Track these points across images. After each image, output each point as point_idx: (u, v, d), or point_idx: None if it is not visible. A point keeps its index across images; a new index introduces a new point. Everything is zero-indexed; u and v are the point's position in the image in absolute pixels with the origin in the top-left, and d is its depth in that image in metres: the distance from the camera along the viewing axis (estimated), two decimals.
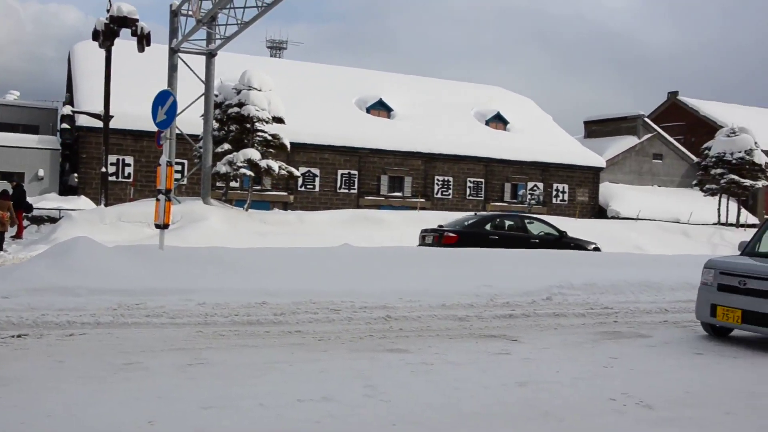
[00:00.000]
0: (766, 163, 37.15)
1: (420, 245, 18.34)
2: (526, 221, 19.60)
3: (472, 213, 22.81)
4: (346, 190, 36.32)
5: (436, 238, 18.00)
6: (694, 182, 40.01)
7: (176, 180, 29.60)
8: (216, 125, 26.44)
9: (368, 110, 39.13)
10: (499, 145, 39.74)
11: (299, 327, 8.57)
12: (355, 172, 36.46)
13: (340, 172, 36.20)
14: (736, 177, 36.13)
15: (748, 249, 9.88)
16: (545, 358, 7.63)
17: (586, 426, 5.50)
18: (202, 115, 25.64)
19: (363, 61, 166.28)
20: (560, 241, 18.97)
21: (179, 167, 30.86)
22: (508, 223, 19.44)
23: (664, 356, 8.05)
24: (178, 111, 13.14)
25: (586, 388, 6.51)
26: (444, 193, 38.29)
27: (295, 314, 9.16)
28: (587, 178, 42.00)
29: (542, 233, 19.32)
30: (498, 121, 41.97)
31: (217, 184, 28.20)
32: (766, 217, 11.26)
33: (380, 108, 39.49)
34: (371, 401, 5.76)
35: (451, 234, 17.84)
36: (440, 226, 19.33)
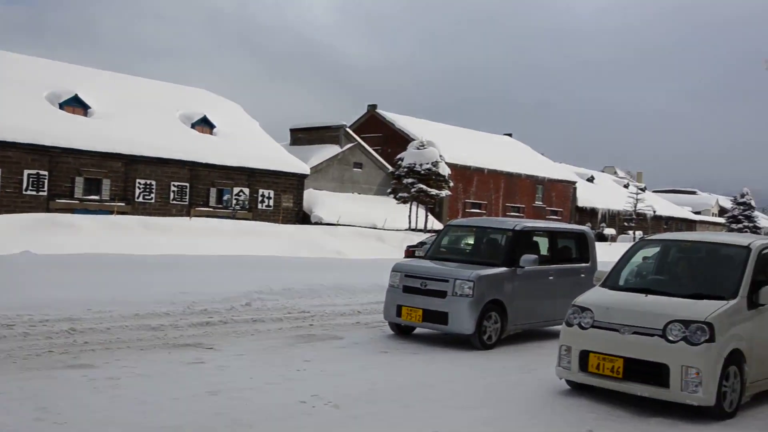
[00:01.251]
0: (449, 174, 41.17)
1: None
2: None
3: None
4: (34, 192, 33.03)
5: None
6: (389, 190, 42.99)
7: None
8: None
9: (61, 106, 35.96)
10: (205, 149, 38.98)
11: None
12: (45, 173, 33.34)
13: (27, 172, 32.81)
14: (424, 186, 39.52)
15: (430, 252, 10.78)
16: (240, 365, 7.57)
17: (275, 430, 5.53)
18: None
19: (55, 53, 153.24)
20: None
21: None
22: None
23: (353, 356, 8.43)
24: None
25: (279, 392, 6.57)
26: (146, 197, 36.59)
27: None
28: (292, 184, 42.97)
29: None
30: (204, 124, 41.17)
31: None
32: (448, 223, 13.30)
33: (75, 105, 36.51)
34: (42, 425, 5.22)
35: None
36: (422, 243, 21.83)
